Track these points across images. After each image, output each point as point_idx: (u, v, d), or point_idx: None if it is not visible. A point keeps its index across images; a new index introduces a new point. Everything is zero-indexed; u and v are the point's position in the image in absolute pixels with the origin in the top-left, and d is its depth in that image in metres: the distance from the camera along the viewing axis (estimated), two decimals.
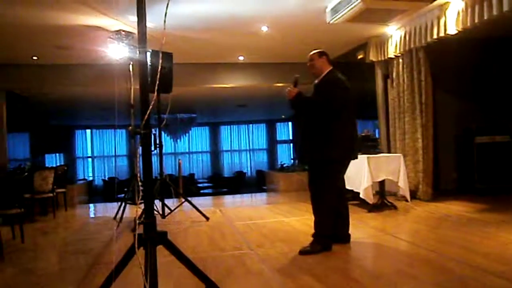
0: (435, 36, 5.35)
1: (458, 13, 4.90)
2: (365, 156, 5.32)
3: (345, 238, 3.81)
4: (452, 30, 5.03)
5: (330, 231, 3.62)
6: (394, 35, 6.31)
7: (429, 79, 6.04)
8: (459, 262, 3.11)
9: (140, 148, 2.27)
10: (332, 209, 3.64)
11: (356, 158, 3.87)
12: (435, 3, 4.89)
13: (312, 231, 3.64)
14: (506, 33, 6.79)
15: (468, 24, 4.77)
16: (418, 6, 4.81)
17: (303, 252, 3.53)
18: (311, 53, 3.82)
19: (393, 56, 6.45)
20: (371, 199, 5.36)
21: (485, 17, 4.51)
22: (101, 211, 7.68)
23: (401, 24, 6.02)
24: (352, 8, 4.64)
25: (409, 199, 5.66)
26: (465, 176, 6.89)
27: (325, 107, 3.52)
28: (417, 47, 5.93)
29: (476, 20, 4.63)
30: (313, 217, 3.67)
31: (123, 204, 5.55)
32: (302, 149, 3.83)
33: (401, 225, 4.82)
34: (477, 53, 7.01)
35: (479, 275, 2.81)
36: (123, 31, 5.56)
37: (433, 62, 6.13)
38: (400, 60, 6.39)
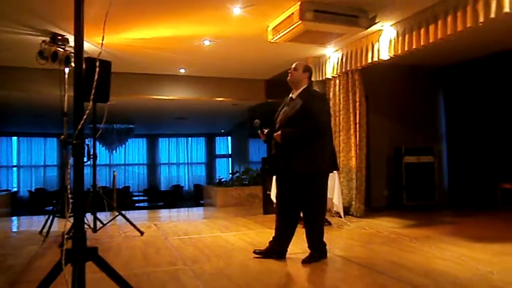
0: (369, 60, 5.66)
1: (390, 40, 5.25)
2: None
3: (282, 253, 3.85)
4: (385, 55, 5.37)
5: (323, 237, 3.80)
6: (332, 56, 6.58)
7: (363, 100, 6.34)
8: (389, 276, 3.25)
9: (72, 158, 2.16)
10: (322, 219, 3.84)
11: (337, 169, 4.03)
12: (370, 29, 5.18)
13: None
14: (433, 62, 7.37)
15: (399, 51, 5.14)
16: (355, 31, 5.07)
17: (305, 261, 3.65)
18: (297, 63, 3.86)
19: (330, 77, 6.70)
20: None
21: (414, 46, 4.90)
22: (26, 224, 7.17)
23: (339, 47, 6.30)
24: (292, 28, 4.78)
25: (342, 215, 5.86)
26: (395, 194, 7.28)
27: (312, 127, 3.55)
28: (353, 70, 6.22)
29: (406, 48, 5.02)
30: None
31: (51, 217, 5.23)
32: (279, 163, 3.70)
33: (335, 241, 4.95)
34: (408, 79, 7.53)
35: None
36: (59, 36, 5.32)
37: (368, 84, 6.45)
38: (337, 81, 6.66)
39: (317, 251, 3.75)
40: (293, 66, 3.85)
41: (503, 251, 3.98)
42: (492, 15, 3.88)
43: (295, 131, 3.57)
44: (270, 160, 3.84)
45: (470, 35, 4.85)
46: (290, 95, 3.84)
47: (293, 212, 3.83)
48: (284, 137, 3.58)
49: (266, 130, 3.85)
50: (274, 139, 3.69)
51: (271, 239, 3.90)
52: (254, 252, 3.89)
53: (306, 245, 3.80)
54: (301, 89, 3.77)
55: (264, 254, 3.85)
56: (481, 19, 4.01)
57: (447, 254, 3.90)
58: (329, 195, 5.58)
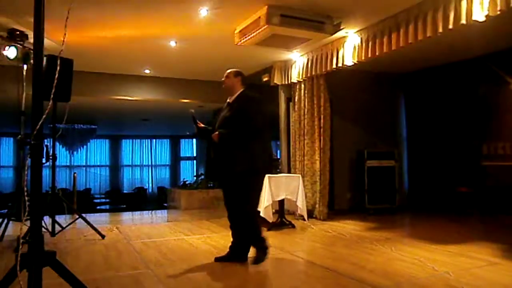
0: (334, 66, 5.77)
1: (355, 47, 5.38)
2: (266, 175, 5.46)
3: (243, 256, 3.84)
4: (349, 61, 5.49)
5: (261, 233, 3.83)
6: (297, 61, 6.66)
7: (328, 105, 6.45)
8: (350, 278, 3.32)
9: (30, 159, 2.08)
10: (257, 216, 3.89)
11: (272, 171, 4.06)
12: (335, 35, 5.28)
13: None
14: (395, 68, 7.61)
15: (363, 58, 5.27)
16: (320, 36, 5.15)
17: (256, 261, 3.70)
18: (228, 71, 3.93)
19: (296, 81, 6.79)
20: (270, 218, 5.51)
21: (377, 53, 5.04)
22: None
23: (305, 52, 6.39)
24: (259, 32, 4.81)
25: (306, 218, 5.93)
26: (357, 197, 7.43)
27: (247, 127, 3.62)
28: (318, 74, 6.32)
29: (370, 55, 5.15)
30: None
31: (6, 220, 5.01)
32: (217, 164, 3.76)
33: (298, 243, 5.01)
34: (371, 84, 7.73)
35: None
36: (18, 31, 5.11)
37: (332, 89, 6.57)
38: (302, 85, 6.75)
39: (260, 248, 3.79)
40: (224, 74, 3.94)
41: (459, 253, 4.14)
42: (451, 25, 4.05)
43: (231, 132, 3.68)
44: (209, 163, 3.87)
45: (430, 44, 5.05)
46: (227, 100, 3.94)
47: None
48: (221, 137, 3.66)
49: (201, 124, 3.91)
50: (208, 138, 3.79)
51: (230, 244, 3.92)
52: (216, 259, 3.86)
53: (270, 247, 3.82)
54: (237, 94, 3.87)
55: (225, 259, 3.84)
56: (440, 30, 4.18)
57: (406, 256, 4.02)
58: (292, 198, 5.68)
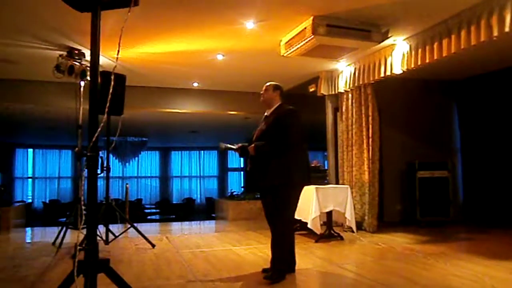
0: (382, 75, 5.65)
1: (403, 55, 5.24)
2: (314, 186, 5.41)
3: (289, 268, 3.80)
4: (398, 70, 5.36)
5: (287, 264, 3.70)
6: (344, 71, 6.58)
7: (376, 115, 6.31)
8: None
9: (86, 170, 2.19)
10: (290, 244, 3.76)
11: (310, 183, 3.98)
12: (382, 44, 5.18)
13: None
14: (446, 76, 7.33)
15: (412, 65, 5.12)
16: (367, 45, 5.07)
17: (267, 277, 3.54)
18: (268, 84, 3.94)
19: (343, 91, 6.70)
20: (318, 229, 5.43)
21: (427, 60, 4.89)
22: (39, 235, 7.25)
23: (351, 61, 6.31)
24: (305, 43, 4.81)
25: (355, 230, 5.79)
26: (408, 209, 7.18)
27: (283, 140, 3.60)
28: (366, 84, 6.21)
29: (419, 62, 5.00)
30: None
31: (64, 228, 5.27)
32: (254, 176, 3.78)
33: (347, 256, 4.90)
34: (421, 92, 7.49)
35: None
36: (76, 50, 5.43)
37: (380, 98, 6.43)
38: (350, 95, 6.65)
39: (275, 271, 3.58)
40: (263, 87, 3.93)
41: None
42: (507, 29, 3.86)
43: (266, 143, 3.66)
44: (247, 175, 3.87)
45: (484, 49, 4.83)
46: (265, 113, 3.94)
47: None
48: (257, 149, 3.67)
49: (237, 145, 3.93)
50: (249, 153, 3.78)
51: None
52: (263, 270, 3.83)
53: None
54: (274, 107, 3.86)
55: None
56: (495, 33, 3.99)
57: (462, 271, 3.82)
58: (341, 209, 5.57)
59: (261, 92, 3.94)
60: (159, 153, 17.84)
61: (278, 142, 3.61)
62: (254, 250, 5.01)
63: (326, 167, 7.41)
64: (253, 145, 3.72)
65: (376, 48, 5.48)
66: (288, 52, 5.22)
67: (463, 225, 7.07)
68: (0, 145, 14.26)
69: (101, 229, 5.14)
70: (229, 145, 3.98)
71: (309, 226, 5.37)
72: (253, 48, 5.67)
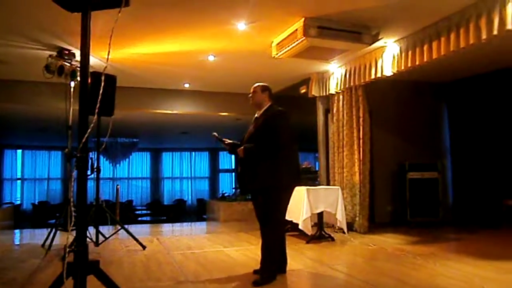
0: (373, 76, 5.69)
1: (394, 57, 5.29)
2: (305, 188, 5.42)
3: (280, 268, 3.80)
4: (388, 71, 5.40)
5: (276, 265, 3.69)
6: (335, 72, 6.61)
7: (367, 116, 6.35)
8: None
9: (76, 171, 2.17)
10: (281, 244, 3.76)
11: (301, 184, 3.96)
12: (373, 45, 5.22)
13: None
14: (436, 78, 7.40)
15: (403, 67, 5.17)
16: (358, 47, 5.11)
17: (256, 283, 3.46)
18: (255, 85, 3.92)
19: (334, 92, 6.73)
20: (309, 230, 5.45)
21: (417, 62, 4.93)
22: (28, 237, 7.17)
23: (342, 63, 6.34)
24: (296, 44, 4.82)
25: (346, 231, 5.81)
26: (399, 210, 7.23)
27: (272, 142, 3.58)
28: (357, 85, 6.24)
29: (410, 64, 5.05)
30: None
31: (54, 230, 5.22)
32: (245, 178, 3.78)
33: (338, 257, 4.92)
34: (411, 94, 7.55)
35: None
36: (66, 50, 5.39)
37: (371, 100, 6.46)
38: (341, 97, 6.68)
39: (265, 272, 3.58)
40: (251, 89, 3.91)
41: (509, 269, 3.94)
42: (495, 32, 3.91)
43: (255, 146, 3.65)
44: (238, 178, 3.87)
45: (473, 52, 4.89)
46: (255, 115, 3.93)
47: None
48: (246, 151, 3.66)
49: (228, 141, 3.93)
50: (238, 155, 3.76)
51: None
52: (254, 272, 3.83)
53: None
54: (264, 108, 3.85)
55: None
56: (484, 36, 4.04)
57: (452, 272, 3.85)
58: (332, 210, 5.59)
59: (249, 95, 3.91)
60: (150, 154, 17.76)
61: (267, 144, 3.60)
62: (245, 251, 5.01)
63: (317, 168, 7.44)
64: (242, 147, 3.71)
65: (366, 50, 5.52)
66: (279, 54, 5.24)
67: (452, 225, 7.14)
68: None
69: (91, 230, 5.10)
70: (221, 138, 3.95)
71: (300, 227, 5.38)
72: (244, 49, 5.67)
